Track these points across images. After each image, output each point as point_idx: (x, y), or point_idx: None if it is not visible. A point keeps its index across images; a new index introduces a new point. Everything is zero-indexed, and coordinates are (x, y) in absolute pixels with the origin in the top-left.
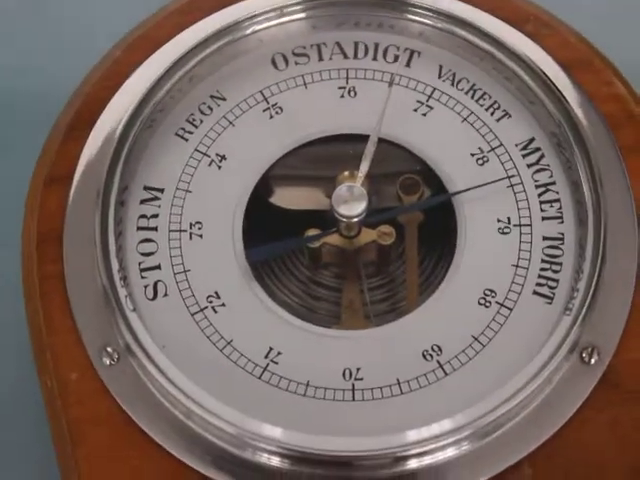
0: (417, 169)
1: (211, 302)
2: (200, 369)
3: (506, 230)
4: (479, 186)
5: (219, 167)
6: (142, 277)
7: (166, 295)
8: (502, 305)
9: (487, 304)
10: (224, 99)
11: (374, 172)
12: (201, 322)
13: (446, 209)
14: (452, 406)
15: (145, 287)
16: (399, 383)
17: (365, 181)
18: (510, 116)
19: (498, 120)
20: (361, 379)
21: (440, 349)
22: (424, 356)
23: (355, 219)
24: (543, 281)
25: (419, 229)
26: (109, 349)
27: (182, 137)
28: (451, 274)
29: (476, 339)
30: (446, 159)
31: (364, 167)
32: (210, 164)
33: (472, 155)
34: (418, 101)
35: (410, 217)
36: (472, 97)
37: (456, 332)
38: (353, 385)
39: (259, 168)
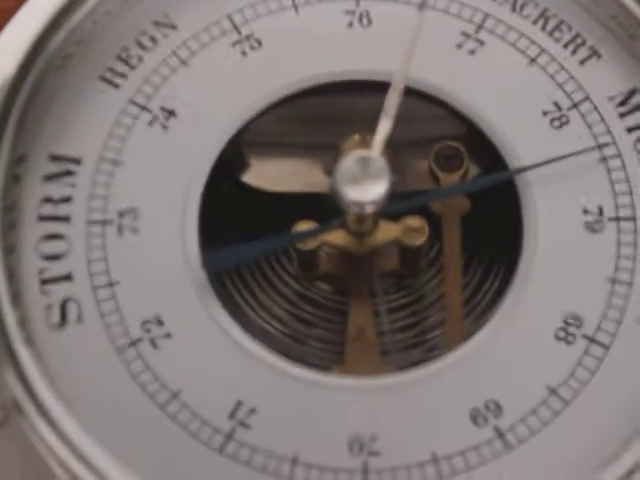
0: (461, 134)
1: (149, 331)
2: (128, 437)
3: (597, 225)
4: (556, 159)
5: (164, 127)
6: (43, 293)
7: (80, 320)
8: (592, 340)
9: (569, 338)
10: (174, 27)
11: (397, 137)
12: (133, 362)
13: (505, 194)
14: None
15: (48, 308)
16: (436, 460)
17: (384, 151)
18: (600, 56)
19: (582, 62)
20: (377, 454)
21: (499, 407)
22: (474, 419)
23: (369, 207)
24: None
25: (463, 223)
26: None
27: (110, 82)
28: (514, 293)
29: (555, 392)
30: (505, 119)
31: (384, 128)
32: (152, 123)
33: (544, 114)
34: (463, 33)
35: (450, 205)
36: (543, 28)
37: (523, 382)
38: (365, 463)
39: (225, 130)
